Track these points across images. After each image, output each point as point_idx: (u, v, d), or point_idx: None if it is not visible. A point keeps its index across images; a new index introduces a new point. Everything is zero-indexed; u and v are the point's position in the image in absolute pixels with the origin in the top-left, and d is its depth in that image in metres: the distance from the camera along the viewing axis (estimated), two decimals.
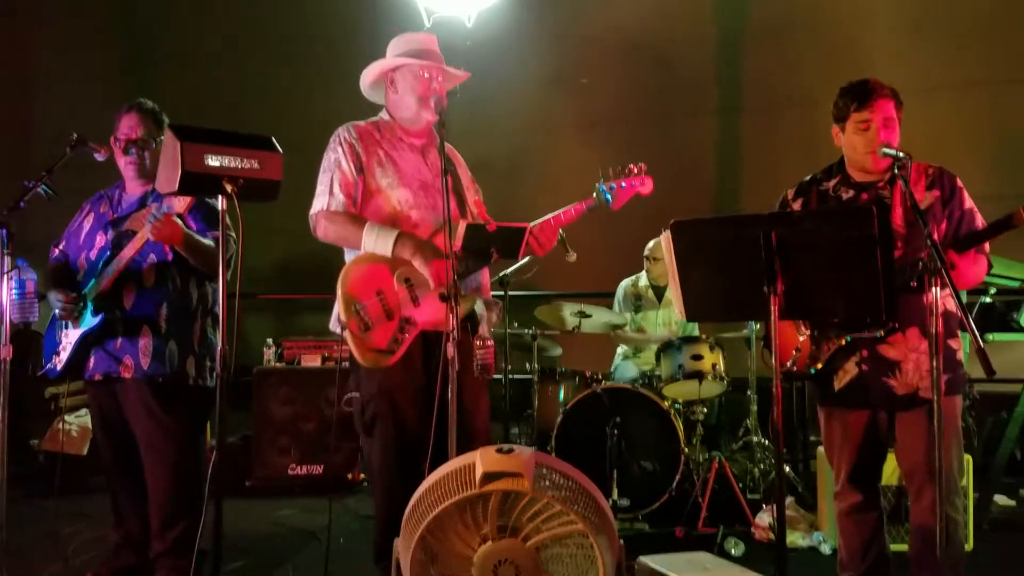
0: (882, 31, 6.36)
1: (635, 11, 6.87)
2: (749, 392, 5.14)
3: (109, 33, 7.93)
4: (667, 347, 4.75)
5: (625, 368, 5.28)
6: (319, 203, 2.99)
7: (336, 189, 2.97)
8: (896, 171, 2.59)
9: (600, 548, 2.08)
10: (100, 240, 3.26)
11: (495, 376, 3.16)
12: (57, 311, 3.20)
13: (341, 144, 3.01)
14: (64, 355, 3.21)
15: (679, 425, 4.44)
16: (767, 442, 5.07)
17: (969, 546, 3.64)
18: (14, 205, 2.99)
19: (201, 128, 2.50)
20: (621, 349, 5.52)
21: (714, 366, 4.60)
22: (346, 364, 3.09)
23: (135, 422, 3.19)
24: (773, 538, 3.89)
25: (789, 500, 4.23)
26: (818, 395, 2.94)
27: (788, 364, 2.87)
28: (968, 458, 3.47)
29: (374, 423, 2.93)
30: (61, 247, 3.40)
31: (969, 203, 2.78)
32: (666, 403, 4.49)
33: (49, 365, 3.28)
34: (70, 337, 3.20)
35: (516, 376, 5.22)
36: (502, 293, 4.52)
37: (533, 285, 5.17)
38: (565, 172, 6.43)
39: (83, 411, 5.05)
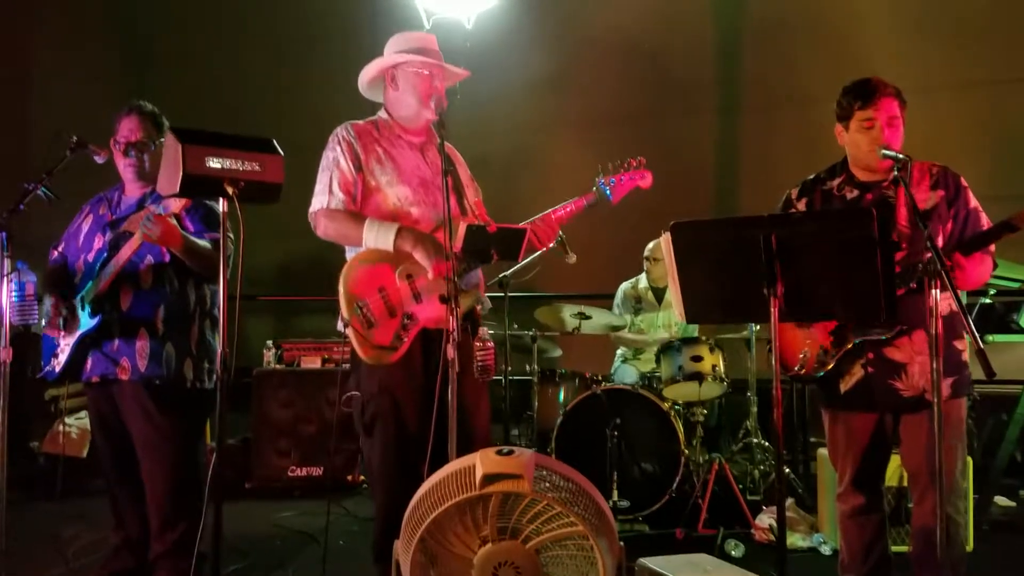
0: (881, 30, 6.35)
1: (634, 11, 6.87)
2: (749, 393, 5.15)
3: (108, 33, 7.93)
4: (667, 348, 4.75)
5: (625, 370, 5.28)
6: (318, 202, 2.99)
7: (335, 187, 2.97)
8: (896, 172, 2.59)
9: (600, 550, 2.07)
10: (98, 242, 3.25)
11: (495, 377, 3.16)
12: (44, 321, 3.20)
13: (339, 143, 3.02)
14: (62, 357, 3.20)
15: (679, 426, 4.44)
16: (767, 443, 5.07)
17: (969, 547, 3.64)
18: (14, 207, 2.99)
19: (202, 130, 2.49)
20: (621, 351, 5.52)
21: (714, 367, 4.60)
22: (346, 366, 3.10)
23: (133, 424, 3.19)
24: (773, 539, 3.90)
25: (789, 501, 4.23)
26: (823, 398, 2.94)
27: (796, 367, 2.87)
28: (968, 459, 3.47)
29: (374, 422, 2.93)
30: (60, 249, 3.39)
31: (974, 202, 2.78)
32: (666, 404, 4.49)
33: (48, 367, 3.28)
34: (68, 339, 3.20)
35: (516, 377, 5.22)
36: (502, 294, 4.53)
37: (533, 287, 5.17)
38: (564, 172, 6.43)
39: (83, 413, 5.04)
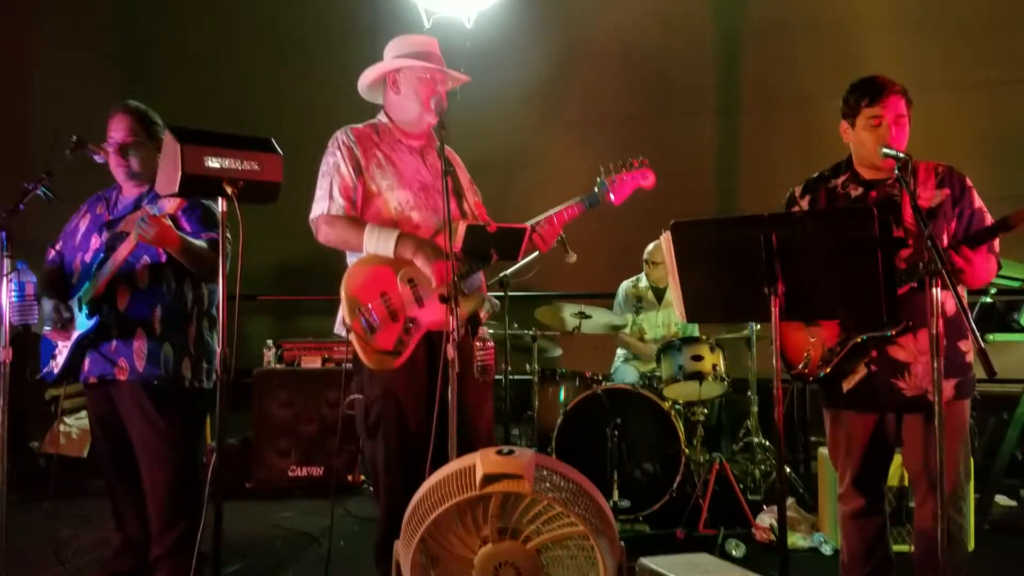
0: (881, 30, 6.35)
1: (633, 11, 6.87)
2: (750, 393, 5.14)
3: (108, 33, 7.92)
4: (667, 348, 4.75)
5: (625, 369, 5.28)
6: (319, 208, 2.98)
7: (335, 193, 2.96)
8: (897, 172, 2.58)
9: (601, 550, 2.07)
10: (95, 242, 3.25)
11: (495, 377, 3.15)
12: (47, 327, 3.19)
13: (339, 148, 3.01)
14: (61, 358, 3.20)
15: (679, 426, 4.43)
16: (768, 443, 5.06)
17: (970, 547, 3.64)
18: (14, 207, 2.98)
19: (201, 130, 2.49)
20: (621, 350, 5.52)
21: (714, 367, 4.60)
22: (349, 366, 3.09)
23: (131, 425, 3.18)
24: (774, 539, 3.90)
25: (790, 501, 4.23)
26: (824, 397, 2.93)
27: (800, 367, 2.86)
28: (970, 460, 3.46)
29: (378, 425, 2.93)
30: (57, 248, 3.39)
31: (979, 202, 2.77)
32: (666, 404, 4.49)
33: (46, 368, 3.28)
34: (66, 340, 3.19)
35: (516, 377, 5.22)
36: (502, 294, 4.52)
37: (533, 286, 5.16)
38: (564, 172, 6.43)
39: (83, 413, 5.04)
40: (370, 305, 2.81)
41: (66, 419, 5.22)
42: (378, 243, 2.87)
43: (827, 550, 3.87)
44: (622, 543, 2.20)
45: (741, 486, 4.49)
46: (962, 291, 2.75)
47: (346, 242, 2.96)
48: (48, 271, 3.33)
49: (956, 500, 2.71)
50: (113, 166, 3.27)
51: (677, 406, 4.69)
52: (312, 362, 5.38)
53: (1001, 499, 4.52)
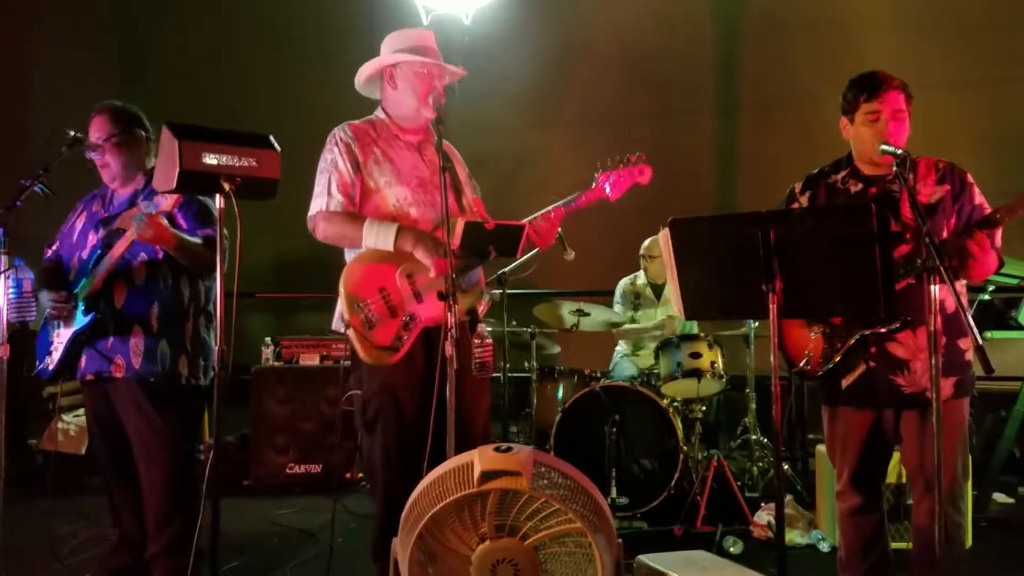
0: (881, 29, 6.35)
1: (632, 9, 6.86)
2: (748, 390, 5.15)
3: (108, 33, 7.91)
4: (666, 345, 4.75)
5: (624, 366, 5.28)
6: (317, 204, 2.98)
7: (334, 189, 2.96)
8: (895, 168, 2.58)
9: (599, 547, 2.07)
10: (92, 239, 3.24)
11: (494, 374, 3.16)
12: (48, 310, 3.18)
13: (337, 144, 3.00)
14: (56, 355, 3.19)
15: (678, 423, 4.44)
16: (766, 440, 5.07)
17: (967, 544, 3.64)
18: (11, 204, 2.98)
19: (199, 126, 2.49)
20: (620, 347, 5.52)
21: (713, 364, 4.60)
22: (347, 363, 3.09)
23: (128, 422, 3.18)
24: (771, 536, 3.90)
25: (788, 498, 4.23)
26: (823, 394, 2.92)
27: (802, 364, 2.86)
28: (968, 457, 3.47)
29: (376, 421, 2.93)
30: (54, 247, 3.38)
31: (980, 198, 2.76)
32: (665, 401, 4.49)
33: (42, 365, 3.26)
34: (62, 337, 3.19)
35: (515, 375, 5.22)
36: (500, 291, 4.52)
37: (531, 283, 5.17)
38: (563, 169, 6.43)
39: (81, 410, 5.04)
40: (369, 301, 2.81)
41: (64, 416, 5.21)
42: (377, 237, 2.87)
43: (825, 547, 3.87)
44: (620, 540, 2.20)
45: (739, 483, 4.49)
46: (961, 287, 2.75)
47: (345, 238, 2.96)
48: (45, 269, 3.32)
49: (954, 498, 2.71)
50: (100, 169, 3.27)
51: (675, 403, 4.70)
52: (310, 359, 5.38)
53: (999, 496, 4.53)
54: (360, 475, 5.18)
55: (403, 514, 2.15)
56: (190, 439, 3.33)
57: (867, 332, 2.73)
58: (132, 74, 7.72)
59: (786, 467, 4.76)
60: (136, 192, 3.27)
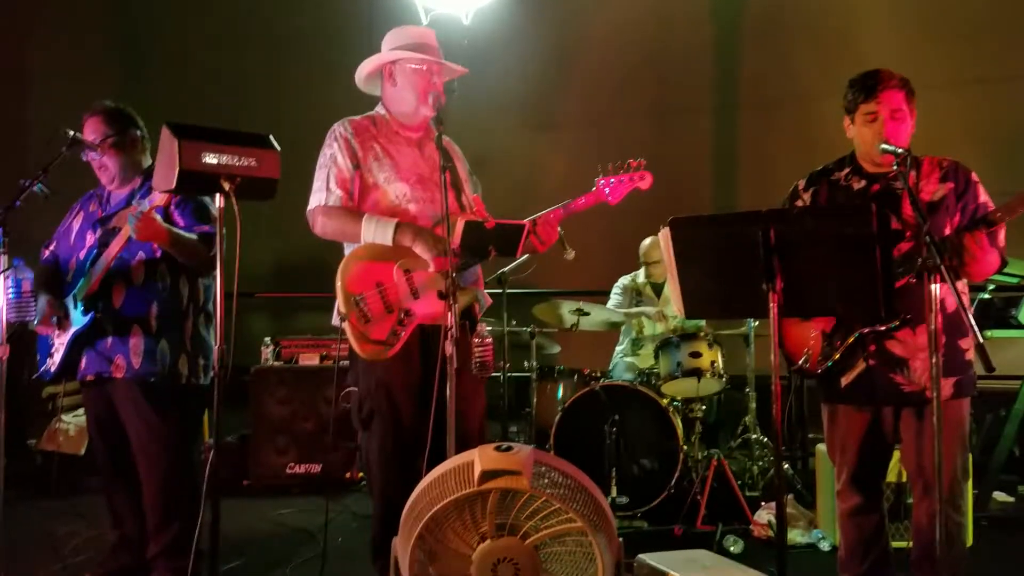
0: (880, 28, 6.35)
1: (632, 8, 6.86)
2: (748, 389, 5.15)
3: (108, 32, 7.90)
4: (665, 344, 4.75)
5: (623, 366, 5.27)
6: (316, 199, 2.98)
7: (332, 184, 2.96)
8: (895, 167, 2.58)
9: (599, 546, 2.07)
10: (89, 239, 3.24)
11: (494, 374, 3.15)
12: (37, 320, 3.18)
13: (337, 140, 3.01)
14: (57, 356, 3.19)
15: (678, 423, 4.43)
16: (766, 439, 5.07)
17: (968, 543, 3.64)
18: (10, 204, 2.97)
19: (198, 126, 2.48)
20: (620, 347, 5.52)
21: (712, 363, 4.60)
22: (345, 362, 3.09)
23: (128, 422, 3.18)
24: (772, 535, 3.90)
25: (788, 497, 4.23)
26: (823, 392, 2.92)
27: (801, 362, 2.86)
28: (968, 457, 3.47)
29: (371, 418, 2.93)
30: (51, 248, 3.37)
31: (984, 197, 2.75)
32: (665, 401, 4.49)
33: (44, 367, 3.27)
34: (62, 338, 3.19)
35: (514, 374, 5.22)
36: (500, 291, 4.52)
37: (531, 283, 5.16)
38: (562, 169, 6.44)
39: (81, 411, 5.02)
40: (365, 296, 2.81)
41: (64, 417, 5.21)
42: (376, 232, 2.87)
43: (825, 546, 3.87)
44: (620, 539, 2.20)
45: (739, 482, 4.49)
46: (963, 287, 2.75)
47: (343, 233, 2.96)
48: (43, 270, 3.31)
49: (954, 498, 2.71)
50: (97, 171, 3.27)
51: (675, 403, 4.69)
52: (310, 359, 5.38)
53: (999, 495, 4.53)
54: (360, 474, 5.18)
55: (403, 513, 2.15)
56: (190, 439, 3.33)
57: (866, 330, 2.73)
58: (132, 74, 7.71)
59: (786, 466, 4.76)
60: (133, 192, 3.27)
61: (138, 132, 3.30)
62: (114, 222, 3.17)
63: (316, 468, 5.18)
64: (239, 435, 5.35)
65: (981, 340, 2.26)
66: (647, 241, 5.41)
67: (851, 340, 2.75)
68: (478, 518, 2.09)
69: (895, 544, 3.04)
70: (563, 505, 2.05)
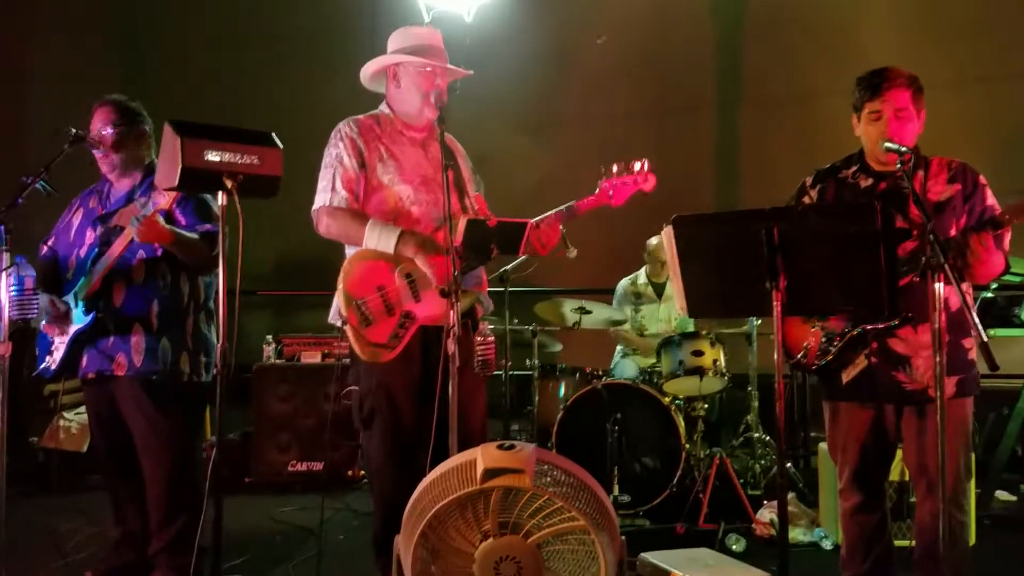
0: (881, 26, 6.35)
1: (633, 6, 6.86)
2: (750, 388, 5.15)
3: (108, 32, 7.91)
4: (667, 343, 4.74)
5: (625, 364, 5.28)
6: (321, 199, 2.97)
7: (338, 185, 2.95)
8: (899, 166, 2.57)
9: (601, 544, 2.07)
10: (90, 237, 3.24)
11: (496, 372, 3.15)
12: (43, 322, 3.18)
13: (342, 139, 3.00)
14: (58, 354, 3.19)
15: (680, 421, 4.43)
16: (768, 438, 5.06)
17: (971, 542, 3.64)
18: (12, 202, 2.97)
19: (201, 123, 2.48)
20: (621, 345, 5.52)
21: (715, 362, 4.59)
22: (346, 360, 3.09)
23: (130, 420, 3.18)
24: (774, 534, 3.89)
25: (790, 496, 4.23)
26: (824, 390, 2.92)
27: (799, 356, 2.85)
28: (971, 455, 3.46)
29: (372, 417, 2.93)
30: (50, 244, 3.37)
31: (991, 200, 2.74)
32: (667, 399, 4.49)
33: (43, 364, 3.26)
34: (63, 336, 3.18)
35: (516, 372, 5.22)
36: (502, 289, 4.52)
37: (533, 281, 5.16)
38: (564, 168, 6.44)
39: (83, 408, 5.02)
40: (366, 298, 2.81)
41: (66, 414, 5.21)
42: (379, 240, 2.86)
43: (827, 545, 3.86)
44: (623, 538, 2.20)
45: (741, 481, 4.49)
46: (965, 286, 2.74)
47: (347, 235, 2.95)
48: (41, 266, 3.31)
49: (957, 497, 2.70)
50: (99, 159, 3.26)
51: (677, 401, 4.69)
52: (312, 357, 5.38)
53: (1001, 494, 4.53)
54: (362, 472, 5.18)
55: (406, 511, 2.15)
56: (192, 436, 3.33)
57: (867, 327, 2.72)
58: (132, 73, 7.72)
59: (789, 465, 4.75)
60: (133, 187, 3.27)
61: (145, 128, 3.31)
62: (115, 220, 3.17)
63: (318, 466, 5.18)
64: (241, 432, 5.36)
65: (985, 339, 2.25)
66: (654, 240, 5.41)
67: (850, 335, 2.74)
68: (480, 516, 2.09)
69: (898, 543, 3.04)
70: (565, 503, 2.04)
